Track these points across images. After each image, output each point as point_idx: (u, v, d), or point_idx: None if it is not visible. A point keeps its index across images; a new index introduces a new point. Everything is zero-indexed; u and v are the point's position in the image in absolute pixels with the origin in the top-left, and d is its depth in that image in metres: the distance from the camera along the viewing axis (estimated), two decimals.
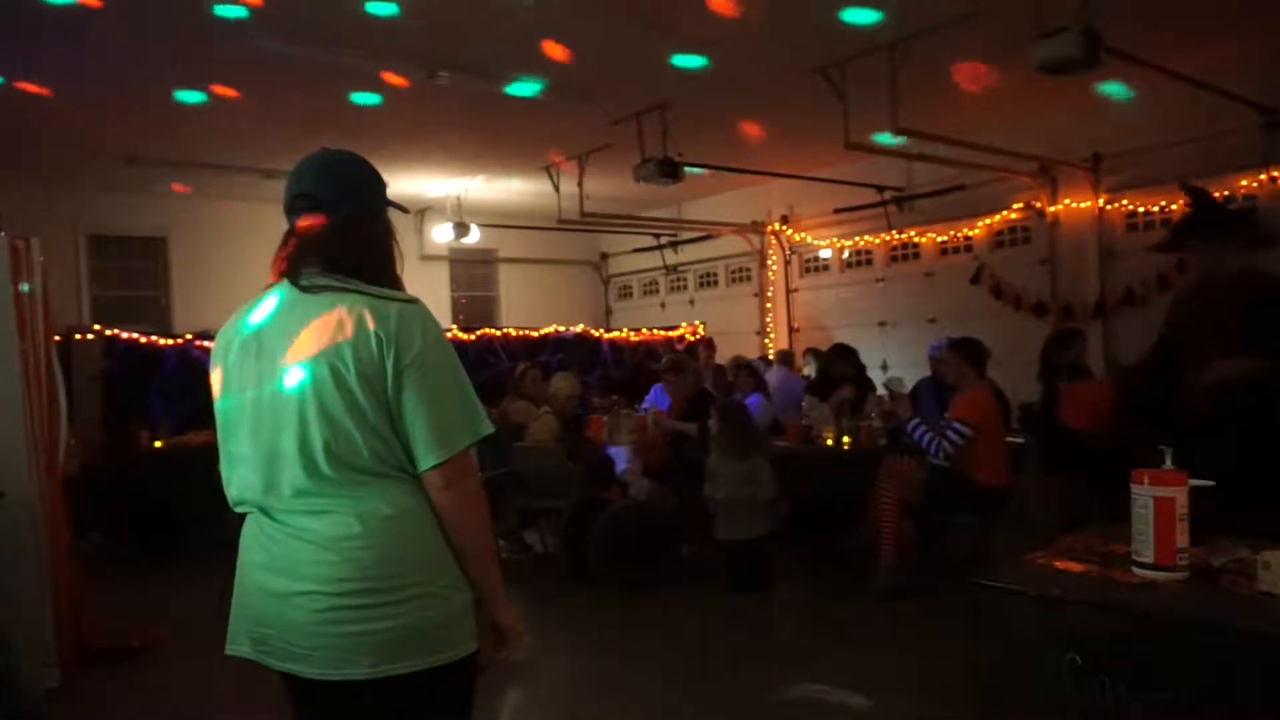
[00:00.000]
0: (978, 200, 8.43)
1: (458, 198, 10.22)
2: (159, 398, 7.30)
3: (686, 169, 7.45)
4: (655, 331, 10.81)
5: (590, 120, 7.26)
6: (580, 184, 8.74)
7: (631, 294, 13.01)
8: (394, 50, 5.71)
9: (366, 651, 1.59)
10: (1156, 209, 7.33)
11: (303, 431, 1.62)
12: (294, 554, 1.64)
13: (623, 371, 9.77)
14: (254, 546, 1.71)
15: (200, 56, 5.71)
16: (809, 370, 8.49)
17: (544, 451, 6.08)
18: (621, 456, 6.07)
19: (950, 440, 4.98)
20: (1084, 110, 7.46)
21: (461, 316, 11.83)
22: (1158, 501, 1.91)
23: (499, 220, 11.08)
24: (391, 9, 5.05)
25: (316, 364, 1.62)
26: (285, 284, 1.72)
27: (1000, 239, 8.61)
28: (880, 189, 9.19)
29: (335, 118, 6.92)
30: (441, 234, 10.41)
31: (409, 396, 1.62)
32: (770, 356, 9.41)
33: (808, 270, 10.60)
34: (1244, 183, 6.72)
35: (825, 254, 10.33)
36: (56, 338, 4.54)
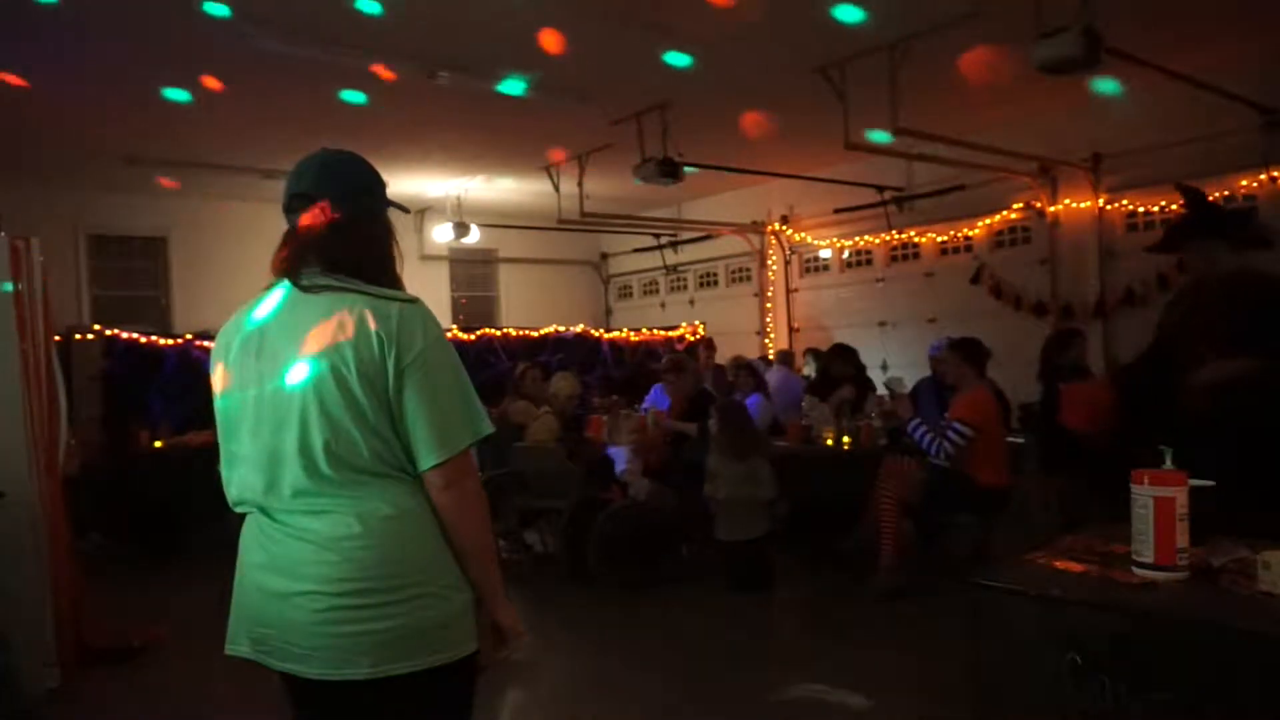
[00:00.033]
0: (978, 200, 8.43)
1: (458, 198, 10.22)
2: (159, 398, 7.30)
3: (686, 168, 7.45)
4: (655, 331, 10.81)
5: (590, 120, 7.26)
6: (580, 184, 8.74)
7: (631, 294, 13.01)
8: (394, 49, 5.71)
9: (366, 651, 1.59)
10: (1156, 209, 7.33)
11: (303, 431, 1.62)
12: (294, 554, 1.64)
13: (623, 371, 9.77)
14: (254, 546, 1.71)
15: (200, 56, 5.72)
16: (809, 370, 8.49)
17: (544, 451, 6.08)
18: (621, 456, 6.07)
19: (951, 440, 4.98)
20: (1084, 110, 7.46)
21: (461, 316, 11.83)
22: (1158, 501, 1.91)
23: (499, 220, 11.08)
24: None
25: (317, 363, 1.62)
26: (286, 283, 1.72)
27: (1000, 239, 8.61)
28: (880, 189, 9.19)
29: (336, 117, 6.92)
30: (441, 234, 10.41)
31: (410, 396, 1.62)
32: (770, 356, 9.41)
33: (808, 270, 10.60)
34: (1244, 183, 6.72)
35: (825, 254, 10.33)
36: (56, 338, 4.54)
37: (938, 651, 4.02)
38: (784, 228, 10.56)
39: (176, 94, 6.39)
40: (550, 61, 6.02)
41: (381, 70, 6.00)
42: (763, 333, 10.90)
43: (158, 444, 7.06)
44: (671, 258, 12.07)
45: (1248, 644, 1.64)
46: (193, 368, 7.16)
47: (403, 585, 1.62)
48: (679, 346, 10.34)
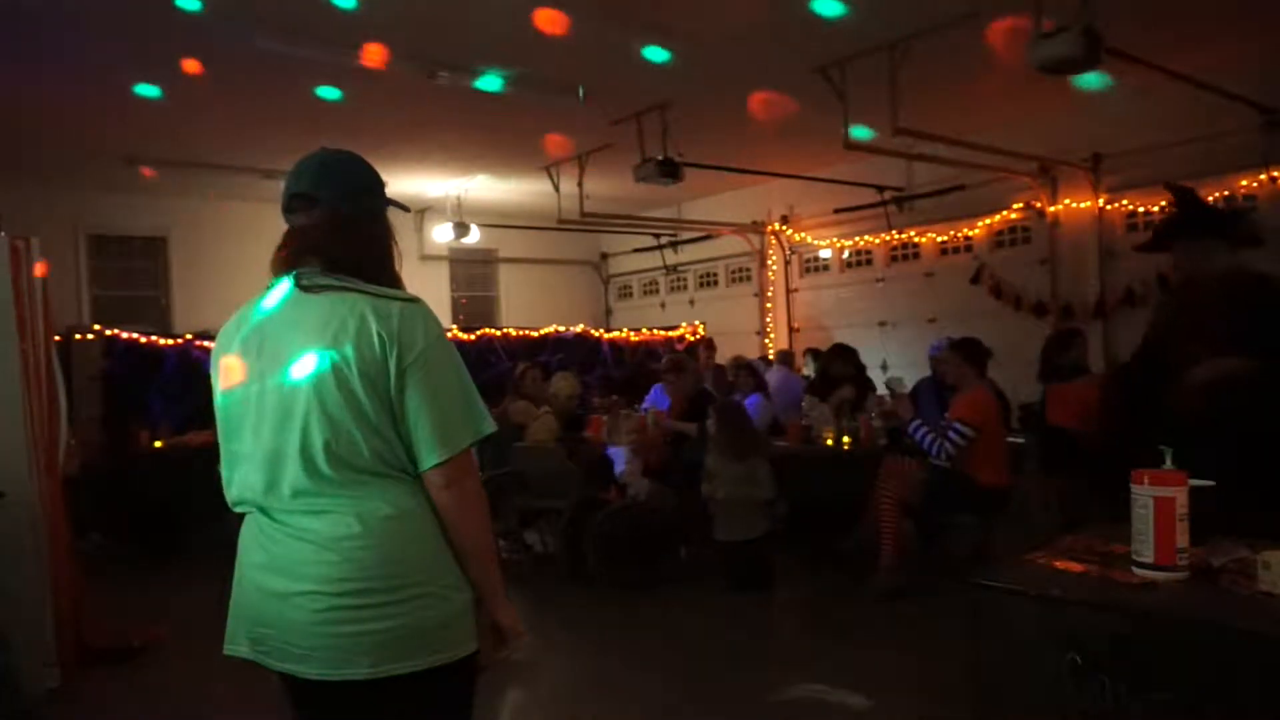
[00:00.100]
0: (978, 200, 8.43)
1: (458, 198, 10.22)
2: (159, 398, 7.30)
3: (685, 168, 7.45)
4: (655, 331, 10.81)
5: (590, 120, 7.26)
6: (580, 184, 8.73)
7: (631, 294, 13.01)
8: (394, 50, 5.70)
9: (366, 651, 1.59)
10: (1156, 209, 7.31)
11: (303, 431, 1.62)
12: (294, 554, 1.63)
13: (623, 371, 9.77)
14: (253, 546, 1.71)
15: (200, 57, 5.70)
16: (809, 370, 8.49)
17: (544, 451, 6.08)
18: (621, 456, 6.07)
19: (951, 440, 4.97)
20: (1084, 110, 7.46)
21: (461, 316, 11.83)
22: (1158, 501, 1.90)
23: (499, 220, 11.08)
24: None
25: (318, 363, 1.62)
26: (288, 282, 1.72)
27: (1000, 239, 8.61)
28: (880, 189, 9.19)
29: (335, 117, 6.91)
30: (441, 234, 10.41)
31: (411, 395, 1.62)
32: (770, 356, 9.42)
33: (808, 270, 10.60)
34: (1244, 183, 6.72)
35: (825, 254, 10.33)
36: (56, 338, 4.54)
37: (938, 651, 4.02)
38: (784, 228, 10.56)
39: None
40: (550, 61, 6.02)
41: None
42: (763, 333, 10.90)
43: (158, 444, 7.06)
44: (671, 258, 12.07)
45: (1248, 644, 1.64)
46: (193, 368, 7.17)
47: (403, 585, 1.62)
48: (679, 346, 10.35)
